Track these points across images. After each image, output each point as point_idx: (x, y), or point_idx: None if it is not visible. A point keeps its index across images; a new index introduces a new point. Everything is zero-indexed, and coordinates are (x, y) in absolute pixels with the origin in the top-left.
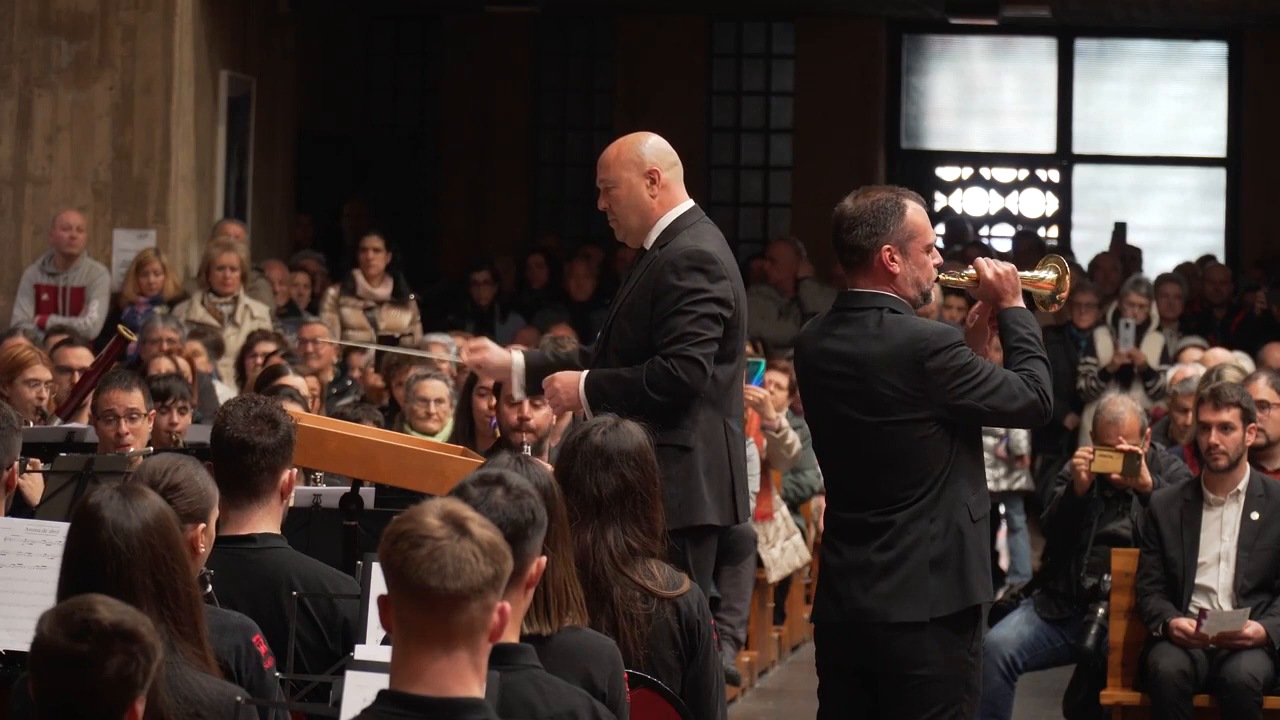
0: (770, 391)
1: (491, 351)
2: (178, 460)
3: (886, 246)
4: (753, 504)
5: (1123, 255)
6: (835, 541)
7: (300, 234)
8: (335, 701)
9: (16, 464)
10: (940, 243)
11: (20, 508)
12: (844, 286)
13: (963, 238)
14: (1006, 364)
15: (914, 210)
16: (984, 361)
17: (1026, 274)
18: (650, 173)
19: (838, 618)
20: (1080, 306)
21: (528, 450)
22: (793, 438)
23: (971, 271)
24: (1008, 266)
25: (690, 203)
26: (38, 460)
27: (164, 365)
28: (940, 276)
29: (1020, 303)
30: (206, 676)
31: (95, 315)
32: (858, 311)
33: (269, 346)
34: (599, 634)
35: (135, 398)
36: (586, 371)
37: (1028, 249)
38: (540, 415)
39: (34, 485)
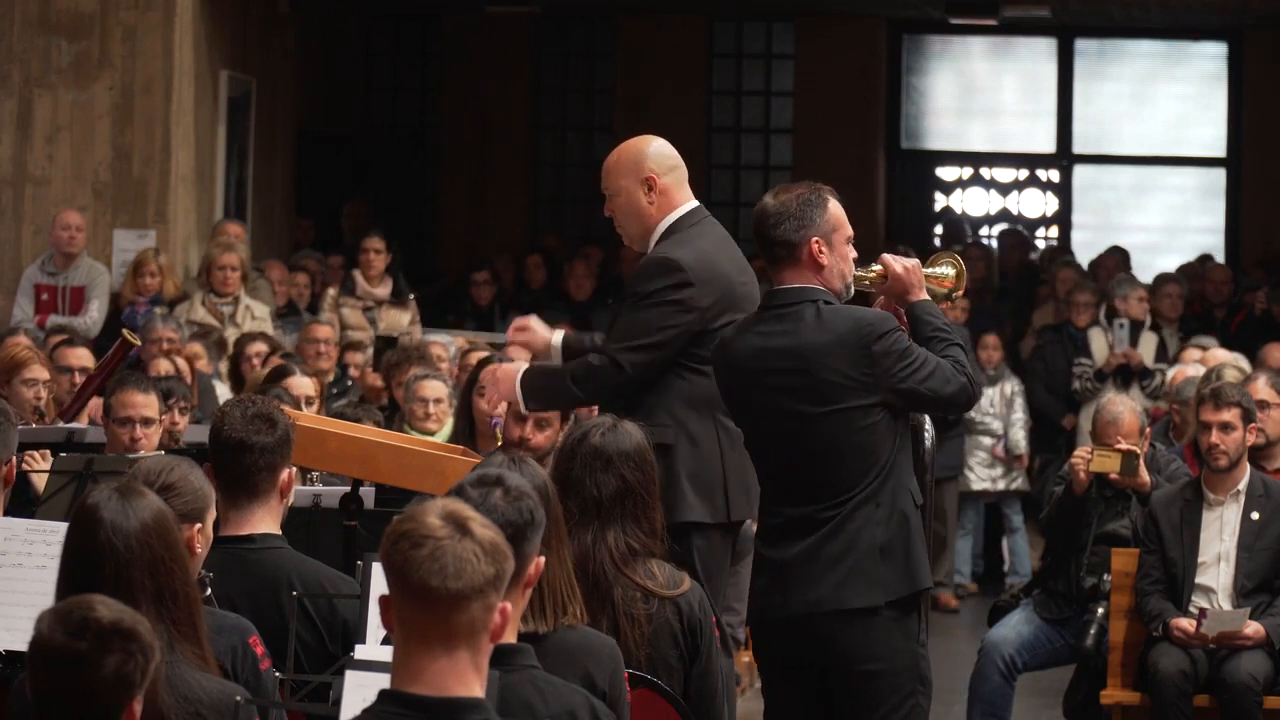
0: None
1: (534, 331)
2: (172, 461)
3: (815, 239)
4: None
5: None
6: (778, 540)
7: (302, 236)
8: (335, 701)
9: (14, 459)
10: (938, 243)
11: (28, 503)
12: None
13: (960, 238)
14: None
15: (834, 204)
16: (918, 347)
17: (927, 270)
18: (647, 179)
19: (784, 612)
20: (1078, 306)
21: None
22: None
23: (879, 268)
24: (913, 262)
25: (691, 204)
26: (47, 451)
27: (163, 366)
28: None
29: (925, 296)
30: (206, 676)
31: (95, 315)
32: (789, 307)
33: (261, 348)
34: (599, 633)
35: (151, 403)
36: (526, 365)
37: (1014, 245)
38: (543, 436)
39: (42, 476)
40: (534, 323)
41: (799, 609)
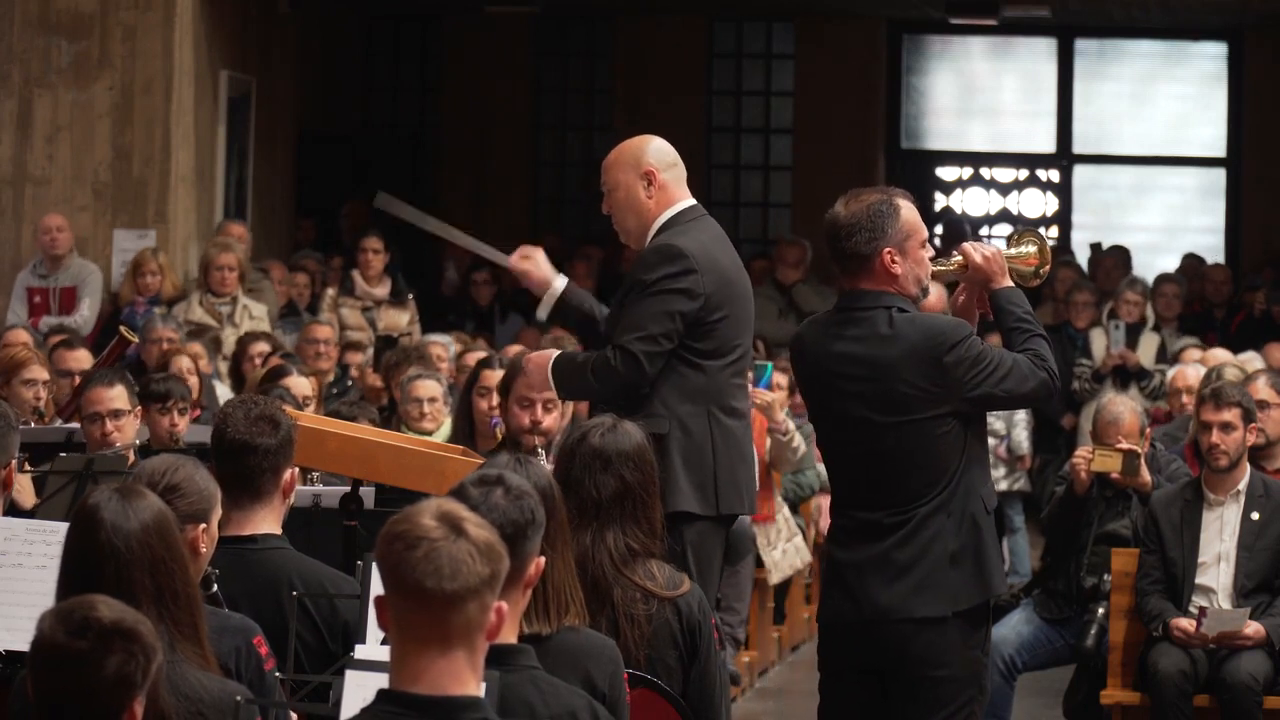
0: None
1: (537, 264)
2: (178, 460)
3: (887, 250)
4: None
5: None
6: (849, 541)
7: (302, 236)
8: (335, 701)
9: (14, 463)
10: (938, 243)
11: (12, 513)
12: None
13: (962, 238)
14: (1008, 345)
15: (907, 209)
16: (992, 348)
17: (1010, 251)
18: (647, 173)
19: (854, 617)
20: (1077, 306)
21: (542, 455)
22: (798, 441)
23: (959, 259)
24: (993, 248)
25: (689, 201)
26: (26, 464)
27: (183, 364)
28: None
29: (1010, 282)
30: (208, 676)
31: (86, 313)
32: (865, 311)
33: (263, 347)
34: (599, 634)
35: (119, 395)
36: (558, 352)
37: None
38: (551, 418)
39: (25, 491)
40: (539, 257)
41: (869, 615)
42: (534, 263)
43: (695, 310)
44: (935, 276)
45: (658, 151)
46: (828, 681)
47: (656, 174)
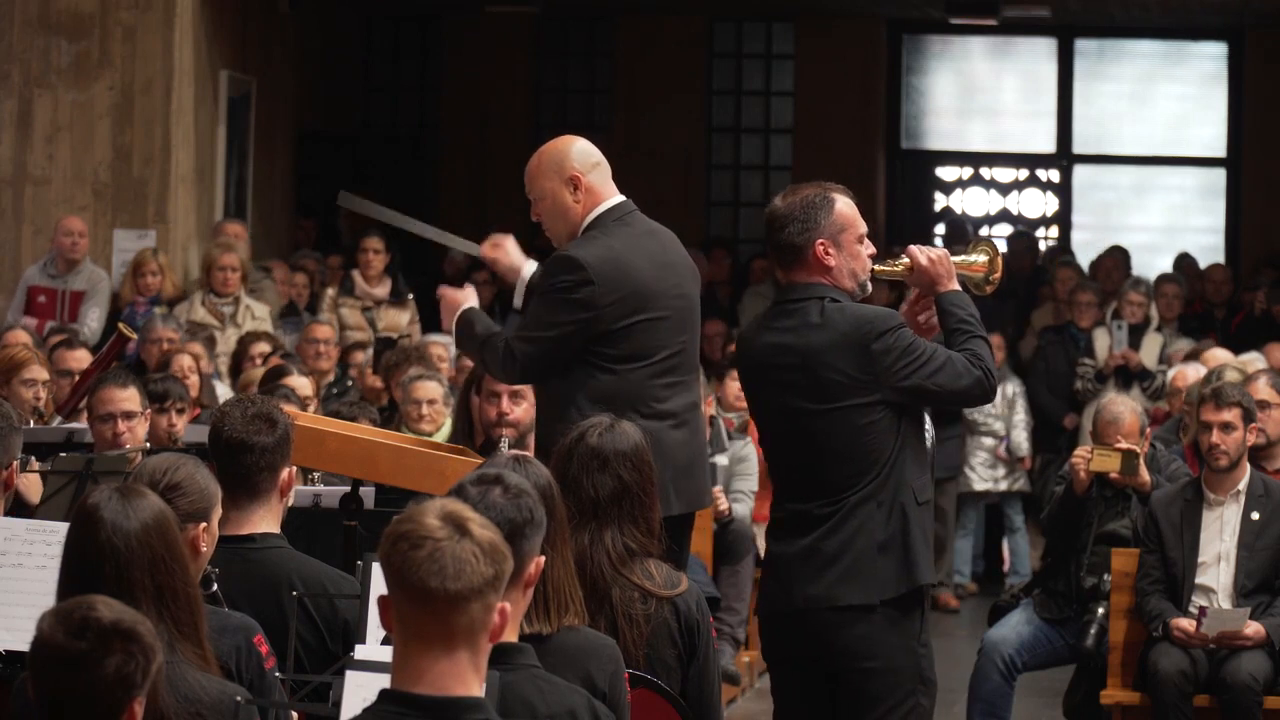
0: None
1: (506, 251)
2: (178, 459)
3: (820, 241)
4: (750, 503)
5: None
6: (783, 532)
7: (302, 236)
8: (335, 701)
9: (16, 463)
10: (939, 243)
11: (19, 508)
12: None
13: (963, 238)
14: (948, 346)
15: (843, 203)
16: (926, 342)
17: (958, 258)
18: (571, 178)
19: (787, 606)
20: (1080, 306)
21: (505, 445)
22: None
23: (906, 261)
24: (940, 252)
25: (615, 200)
26: (35, 461)
27: (184, 363)
28: (875, 268)
29: (956, 286)
30: (207, 676)
31: (94, 325)
32: (798, 303)
33: (264, 347)
34: (599, 633)
35: (131, 397)
36: (471, 305)
37: (1024, 249)
38: (520, 410)
39: (32, 485)
40: (509, 244)
41: (798, 604)
42: (504, 250)
43: (589, 319)
44: (880, 276)
45: (580, 154)
46: (774, 674)
47: (581, 178)
